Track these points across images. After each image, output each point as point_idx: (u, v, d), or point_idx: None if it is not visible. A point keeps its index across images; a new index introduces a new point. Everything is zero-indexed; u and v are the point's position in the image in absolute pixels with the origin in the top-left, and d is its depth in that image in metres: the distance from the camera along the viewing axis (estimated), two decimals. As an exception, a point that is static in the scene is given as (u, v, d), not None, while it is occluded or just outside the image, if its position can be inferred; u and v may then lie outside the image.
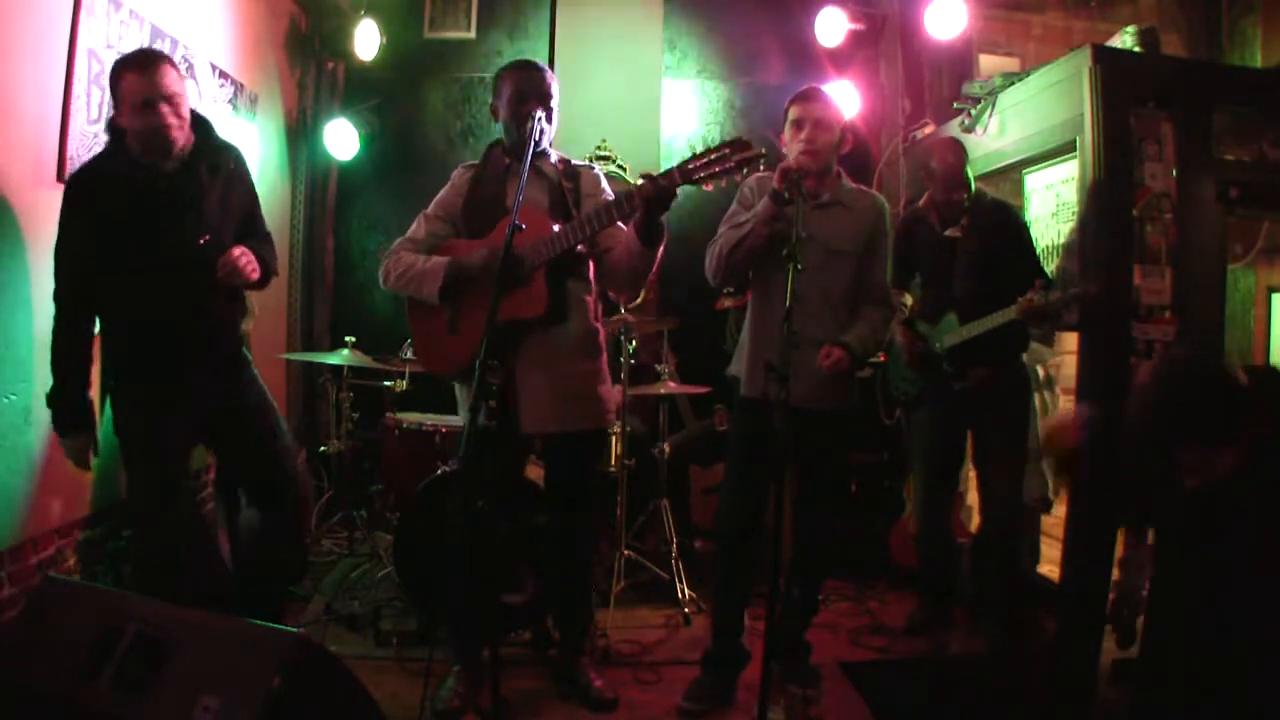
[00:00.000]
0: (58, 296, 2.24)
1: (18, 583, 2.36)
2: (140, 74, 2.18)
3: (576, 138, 4.21)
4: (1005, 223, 3.08)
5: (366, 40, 4.27)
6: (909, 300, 3.36)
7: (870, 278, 2.55)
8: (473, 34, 4.72)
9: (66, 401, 2.24)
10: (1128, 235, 2.78)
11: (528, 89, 2.41)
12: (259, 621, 1.58)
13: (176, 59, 2.35)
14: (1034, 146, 3.25)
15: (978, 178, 3.20)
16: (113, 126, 2.27)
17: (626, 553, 3.46)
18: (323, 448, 3.99)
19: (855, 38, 4.51)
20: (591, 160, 4.23)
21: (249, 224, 2.52)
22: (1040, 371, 3.50)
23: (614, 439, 3.52)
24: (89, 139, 2.59)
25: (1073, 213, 3.19)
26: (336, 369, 3.78)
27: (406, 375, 3.67)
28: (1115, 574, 2.74)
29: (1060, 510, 3.17)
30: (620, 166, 4.56)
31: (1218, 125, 2.92)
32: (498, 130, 2.54)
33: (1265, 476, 1.65)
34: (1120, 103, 2.79)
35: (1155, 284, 2.79)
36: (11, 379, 2.35)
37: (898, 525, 3.82)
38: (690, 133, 4.82)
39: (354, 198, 4.72)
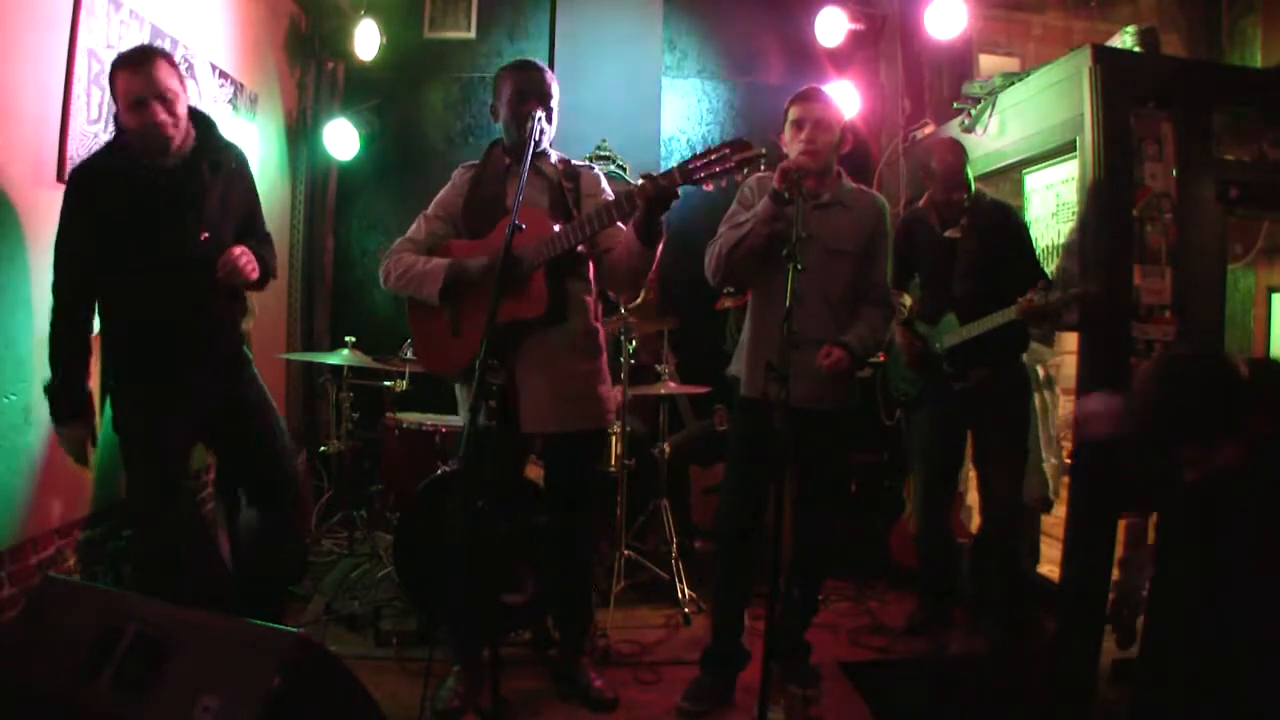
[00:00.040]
0: (56, 289, 2.23)
1: (18, 583, 2.36)
2: (133, 72, 2.18)
3: (576, 138, 4.21)
4: (1005, 223, 3.08)
5: (366, 40, 4.27)
6: (908, 300, 3.36)
7: (870, 278, 2.55)
8: (473, 34, 4.72)
9: (64, 391, 2.23)
10: (1128, 235, 2.78)
11: (528, 89, 2.41)
12: (259, 621, 1.58)
13: (176, 59, 2.34)
14: (1034, 146, 3.25)
15: (978, 178, 3.20)
16: (117, 124, 2.29)
17: (626, 553, 3.46)
18: (323, 448, 3.99)
19: (855, 38, 4.51)
20: (591, 160, 4.23)
21: (249, 224, 2.52)
22: (1040, 371, 3.50)
23: (614, 439, 3.52)
24: (89, 139, 2.59)
25: (1073, 213, 3.19)
26: (336, 369, 3.78)
27: (406, 375, 3.67)
28: (1115, 574, 2.74)
29: (1060, 510, 3.17)
30: (620, 166, 4.56)
31: (1218, 125, 2.92)
32: (498, 130, 2.54)
33: (1266, 476, 1.65)
34: (1120, 103, 2.79)
35: (1155, 284, 2.79)
36: (11, 379, 2.35)
37: (898, 525, 3.82)
38: (690, 133, 4.82)
39: (354, 198, 4.72)
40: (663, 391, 3.58)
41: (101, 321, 2.34)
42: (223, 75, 3.50)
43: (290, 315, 4.50)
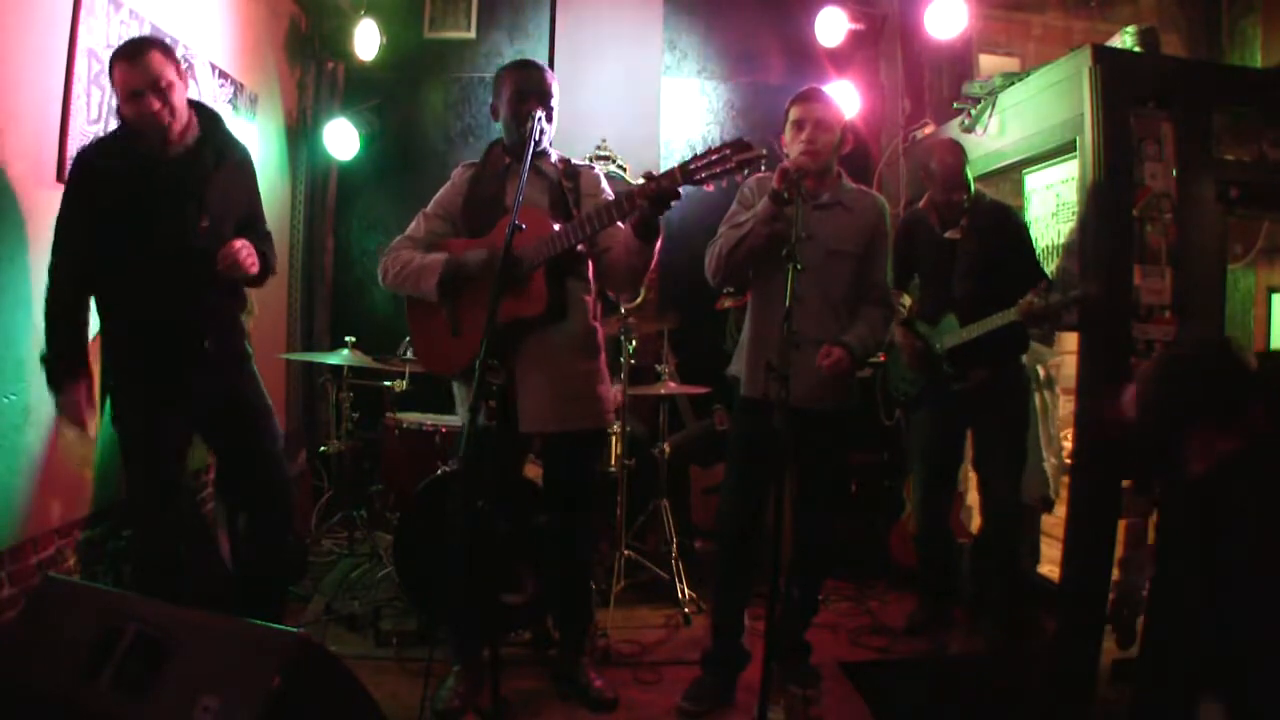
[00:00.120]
0: (53, 269, 2.23)
1: (18, 583, 2.36)
2: (130, 63, 2.19)
3: (576, 138, 4.21)
4: (1005, 224, 3.08)
5: (366, 40, 4.27)
6: (908, 301, 3.36)
7: (870, 278, 2.55)
8: (473, 34, 4.72)
9: (60, 354, 2.23)
10: (1128, 235, 2.78)
11: (527, 88, 2.41)
12: (259, 621, 1.58)
13: (176, 57, 2.34)
14: (1034, 146, 3.25)
15: (978, 178, 3.20)
16: (119, 116, 2.30)
17: (626, 553, 3.46)
18: (323, 448, 3.98)
19: (855, 38, 4.51)
20: (591, 160, 4.23)
21: (250, 221, 2.52)
22: (1040, 371, 3.50)
23: (614, 439, 3.52)
24: (89, 139, 2.58)
25: (1073, 213, 3.19)
26: (336, 369, 3.78)
27: (406, 375, 3.67)
28: (1115, 574, 2.74)
29: (1060, 510, 3.17)
30: (620, 166, 4.56)
31: (1218, 125, 2.92)
32: (497, 130, 2.54)
33: (1266, 475, 1.65)
34: (1120, 103, 2.79)
35: (1155, 284, 2.79)
36: (11, 379, 2.35)
37: (898, 525, 3.82)
38: (690, 133, 4.82)
39: (354, 198, 4.72)
40: (663, 391, 3.58)
41: (101, 322, 2.34)
42: (223, 75, 3.50)
43: (290, 315, 4.49)
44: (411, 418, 3.50)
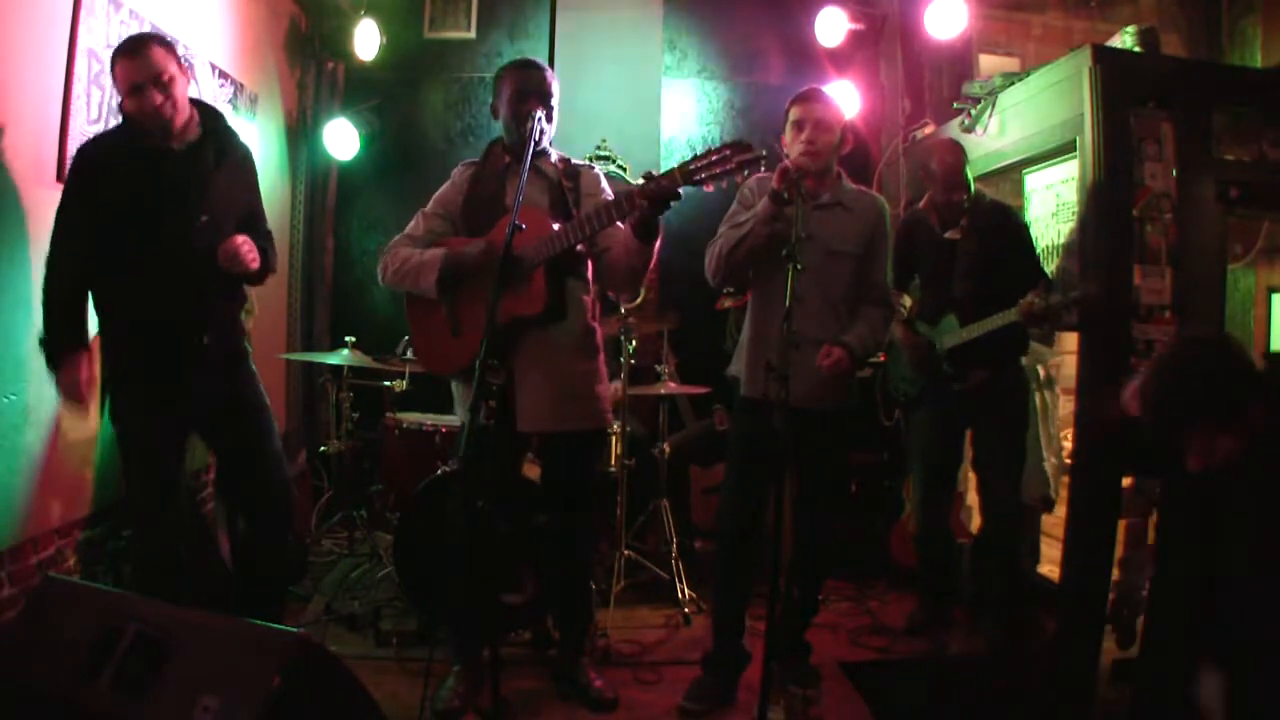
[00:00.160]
0: (52, 259, 2.23)
1: (18, 583, 2.36)
2: (130, 59, 2.20)
3: (576, 138, 4.21)
4: (1005, 224, 3.08)
5: (366, 40, 4.27)
6: (908, 301, 3.36)
7: (870, 278, 2.55)
8: (473, 34, 4.72)
9: (58, 328, 2.22)
10: (1128, 235, 2.78)
11: (528, 88, 2.41)
12: (259, 621, 1.58)
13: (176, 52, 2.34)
14: (1034, 146, 3.25)
15: (978, 178, 3.20)
16: (122, 112, 2.30)
17: (626, 553, 3.46)
18: (323, 448, 3.98)
19: (855, 38, 4.51)
20: (591, 160, 4.23)
21: (251, 219, 2.52)
22: (1040, 371, 3.50)
23: (614, 439, 3.52)
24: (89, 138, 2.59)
25: (1073, 213, 3.19)
26: (336, 369, 3.78)
27: (406, 375, 3.67)
28: (1115, 574, 2.74)
29: (1060, 510, 3.17)
30: (620, 166, 4.56)
31: (1218, 125, 2.92)
32: (497, 130, 2.54)
33: (1265, 475, 1.65)
34: (1120, 103, 2.79)
35: (1155, 284, 2.79)
36: (11, 379, 2.35)
37: (898, 525, 3.82)
38: (690, 133, 4.82)
39: (354, 198, 4.72)
40: (663, 391, 3.58)
41: (100, 322, 2.34)
42: (223, 75, 3.50)
43: (290, 315, 4.50)
44: (411, 418, 3.50)
